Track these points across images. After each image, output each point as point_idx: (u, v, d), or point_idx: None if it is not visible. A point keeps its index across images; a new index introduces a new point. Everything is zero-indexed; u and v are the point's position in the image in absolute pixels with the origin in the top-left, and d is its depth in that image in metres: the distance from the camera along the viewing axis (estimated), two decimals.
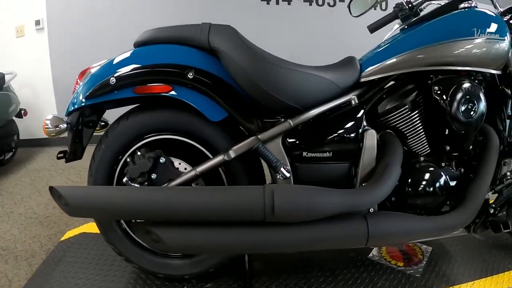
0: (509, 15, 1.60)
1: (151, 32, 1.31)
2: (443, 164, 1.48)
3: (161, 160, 1.28)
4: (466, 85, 1.36)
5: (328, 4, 3.51)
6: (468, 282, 1.57)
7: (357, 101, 1.36)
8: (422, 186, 1.41)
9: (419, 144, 1.46)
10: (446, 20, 1.41)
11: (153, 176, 1.29)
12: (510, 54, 1.59)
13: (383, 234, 1.25)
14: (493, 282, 1.58)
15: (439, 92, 1.38)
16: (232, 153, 1.27)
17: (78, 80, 1.36)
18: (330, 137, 1.33)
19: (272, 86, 1.22)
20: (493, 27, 1.39)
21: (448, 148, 1.42)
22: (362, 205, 1.20)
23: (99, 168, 1.37)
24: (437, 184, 1.42)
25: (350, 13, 1.63)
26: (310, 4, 3.69)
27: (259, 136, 1.28)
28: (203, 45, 1.25)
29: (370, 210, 1.33)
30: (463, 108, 1.35)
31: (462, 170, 1.51)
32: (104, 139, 1.37)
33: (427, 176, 1.41)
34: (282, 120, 1.29)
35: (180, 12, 3.45)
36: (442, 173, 1.44)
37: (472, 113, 1.37)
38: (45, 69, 3.97)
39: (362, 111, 1.39)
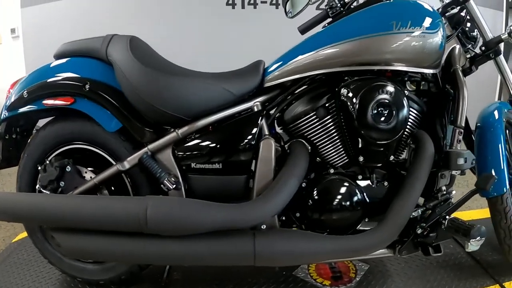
0: (456, 8, 1.38)
1: (65, 45, 1.35)
2: (359, 177, 1.30)
3: (67, 169, 1.30)
4: (381, 87, 1.17)
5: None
6: None
7: (260, 108, 1.25)
8: (327, 201, 1.25)
9: (332, 154, 1.29)
10: (362, 14, 1.24)
11: (62, 184, 1.30)
12: (458, 52, 1.39)
13: (272, 253, 1.13)
14: None
15: (347, 96, 1.19)
16: (126, 164, 1.26)
17: (11, 90, 1.40)
18: (222, 147, 1.24)
19: (155, 97, 1.20)
20: (418, 19, 1.20)
21: (361, 159, 1.24)
22: (246, 222, 1.10)
23: (22, 175, 1.41)
24: (347, 200, 1.25)
25: (286, 14, 1.45)
26: (277, 8, 3.50)
27: (148, 147, 1.25)
28: (102, 57, 1.28)
29: (262, 226, 1.21)
30: (375, 114, 1.16)
31: (386, 183, 1.32)
32: (27, 148, 1.40)
33: (334, 190, 1.26)
34: (172, 130, 1.25)
35: (151, 18, 3.36)
36: (353, 187, 1.26)
37: (388, 119, 1.18)
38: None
39: (261, 119, 1.24)
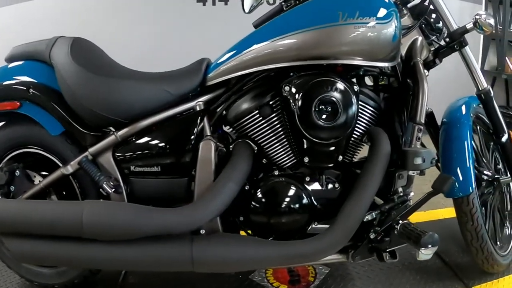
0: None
1: (15, 48, 1.33)
2: (307, 179, 1.21)
3: (16, 173, 1.29)
4: (324, 83, 1.10)
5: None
6: None
7: (202, 107, 1.19)
8: (270, 205, 1.17)
9: (278, 155, 1.21)
10: (307, 5, 1.17)
11: (12, 188, 1.29)
12: (420, 43, 1.32)
13: (210, 259, 1.08)
14: None
15: (289, 93, 1.12)
16: (69, 168, 1.23)
17: None
18: (161, 149, 1.19)
19: (91, 100, 1.17)
20: (367, 9, 1.11)
21: (307, 160, 1.16)
22: (182, 227, 1.05)
23: None
24: (291, 203, 1.18)
25: (243, 10, 1.36)
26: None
27: (89, 150, 1.21)
28: (46, 60, 1.25)
29: (201, 231, 1.14)
30: (318, 111, 1.09)
31: (337, 185, 1.23)
32: None
33: (277, 193, 1.18)
34: (111, 133, 1.21)
35: (117, 16, 3.25)
36: (298, 190, 1.18)
37: (332, 117, 1.10)
38: None
39: (202, 119, 1.18)
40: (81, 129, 1.22)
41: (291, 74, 1.15)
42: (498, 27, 3.52)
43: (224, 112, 1.22)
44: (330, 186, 1.21)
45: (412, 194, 1.23)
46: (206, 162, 1.13)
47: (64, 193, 1.31)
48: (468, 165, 1.36)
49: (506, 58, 3.51)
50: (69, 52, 1.20)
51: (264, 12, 1.37)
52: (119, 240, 1.07)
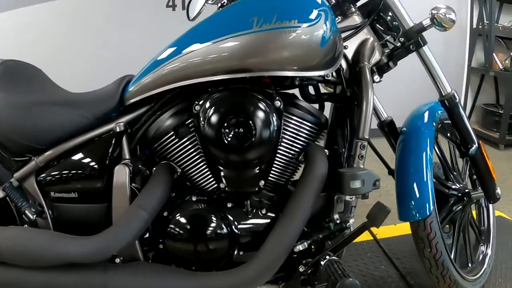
0: None
1: None
2: (229, 205, 1.09)
3: None
4: (237, 100, 1.00)
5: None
6: None
7: (122, 129, 1.08)
8: (182, 233, 1.06)
9: (198, 179, 1.09)
10: (223, 12, 1.07)
11: None
12: (370, 45, 1.17)
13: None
14: None
15: (199, 111, 1.00)
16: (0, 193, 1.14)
17: None
18: (77, 174, 1.11)
19: (6, 126, 1.10)
20: (287, 11, 0.98)
21: (222, 185, 1.06)
22: (90, 257, 0.97)
23: None
24: (205, 231, 1.06)
25: (188, 17, 1.24)
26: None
27: (14, 176, 1.14)
28: None
29: (116, 260, 1.06)
30: (228, 132, 0.97)
31: (264, 211, 1.09)
32: None
33: (190, 220, 1.07)
34: (32, 159, 1.13)
35: (86, 20, 3.10)
36: (215, 217, 1.06)
37: (245, 138, 0.97)
38: None
39: (121, 141, 1.08)
40: (5, 154, 1.14)
41: (209, 89, 1.02)
42: (485, 22, 3.34)
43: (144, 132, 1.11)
44: (257, 212, 1.08)
45: (352, 221, 1.05)
46: (120, 187, 1.04)
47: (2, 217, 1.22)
48: (426, 183, 1.20)
49: (494, 54, 3.32)
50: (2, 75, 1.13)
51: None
52: (36, 266, 1.01)
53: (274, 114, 0.99)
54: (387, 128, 1.46)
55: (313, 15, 0.97)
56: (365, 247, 1.77)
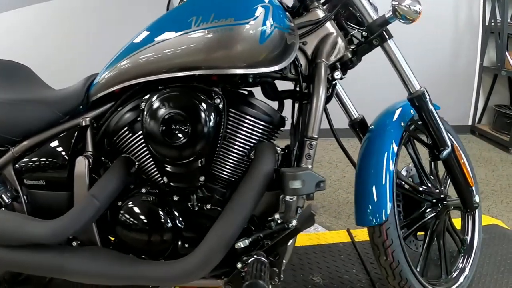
0: None
1: None
2: (175, 198, 1.12)
3: None
4: (174, 98, 1.01)
5: None
6: None
7: (88, 123, 1.17)
8: (129, 222, 1.12)
9: (148, 173, 1.14)
10: (172, 12, 1.11)
11: None
12: (331, 41, 1.16)
13: (76, 269, 1.10)
14: None
15: (144, 109, 1.04)
16: None
17: None
18: (45, 164, 1.21)
19: None
20: (224, 9, 1.00)
21: (166, 180, 1.10)
22: (47, 239, 1.08)
23: None
24: (149, 222, 1.11)
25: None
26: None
27: None
28: None
29: (73, 243, 1.16)
30: (165, 129, 1.00)
31: (208, 206, 1.10)
32: None
33: (137, 210, 1.12)
34: (8, 149, 1.23)
35: (85, 19, 3.13)
36: (159, 209, 1.11)
37: (180, 135, 1.00)
38: None
39: (85, 134, 1.16)
40: None
41: (159, 87, 1.06)
42: (497, 19, 3.17)
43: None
44: (202, 206, 1.11)
45: (294, 222, 1.00)
46: (80, 177, 1.13)
47: None
48: (384, 186, 1.12)
49: (506, 53, 3.15)
50: None
51: None
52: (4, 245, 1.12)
53: (211, 112, 1.01)
54: (358, 127, 1.39)
55: (250, 13, 0.99)
56: (341, 249, 1.71)
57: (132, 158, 1.14)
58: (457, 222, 1.56)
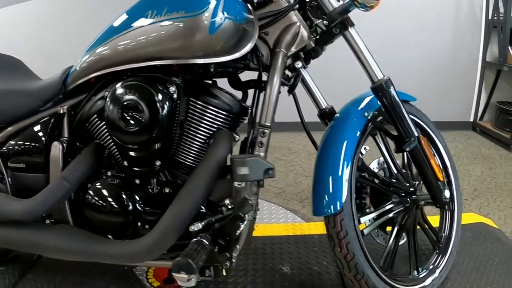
0: None
1: None
2: (137, 181, 1.19)
3: None
4: (130, 86, 1.08)
5: None
6: None
7: (65, 111, 1.25)
8: (92, 202, 1.21)
9: (115, 157, 1.22)
10: (134, 6, 1.13)
11: None
12: (293, 31, 1.19)
13: (48, 245, 1.18)
14: None
15: (106, 96, 1.12)
16: None
17: None
18: (25, 148, 1.30)
19: None
20: (175, 3, 1.05)
21: (126, 163, 1.16)
22: (21, 216, 1.19)
23: None
24: (110, 203, 1.19)
25: None
26: None
27: None
28: None
29: (46, 221, 1.26)
30: (122, 115, 1.07)
31: (167, 189, 1.17)
32: None
33: (100, 192, 1.21)
34: None
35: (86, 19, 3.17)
36: (120, 191, 1.19)
37: (135, 122, 1.06)
38: None
39: (61, 122, 1.25)
40: None
41: (124, 77, 1.13)
42: (500, 13, 3.08)
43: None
44: (161, 190, 1.17)
45: (251, 213, 1.02)
46: (55, 161, 1.21)
47: None
48: (341, 176, 1.10)
49: (509, 47, 3.06)
50: None
51: None
52: None
53: (165, 100, 1.06)
54: (327, 117, 1.37)
55: (200, 5, 1.02)
56: (315, 241, 1.70)
57: (102, 143, 1.21)
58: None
